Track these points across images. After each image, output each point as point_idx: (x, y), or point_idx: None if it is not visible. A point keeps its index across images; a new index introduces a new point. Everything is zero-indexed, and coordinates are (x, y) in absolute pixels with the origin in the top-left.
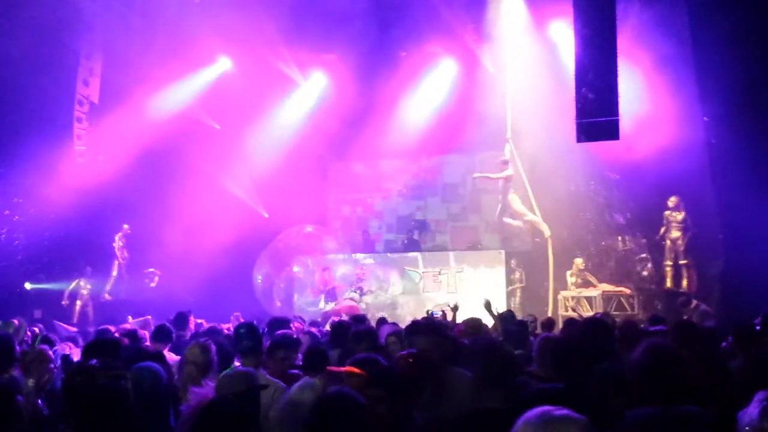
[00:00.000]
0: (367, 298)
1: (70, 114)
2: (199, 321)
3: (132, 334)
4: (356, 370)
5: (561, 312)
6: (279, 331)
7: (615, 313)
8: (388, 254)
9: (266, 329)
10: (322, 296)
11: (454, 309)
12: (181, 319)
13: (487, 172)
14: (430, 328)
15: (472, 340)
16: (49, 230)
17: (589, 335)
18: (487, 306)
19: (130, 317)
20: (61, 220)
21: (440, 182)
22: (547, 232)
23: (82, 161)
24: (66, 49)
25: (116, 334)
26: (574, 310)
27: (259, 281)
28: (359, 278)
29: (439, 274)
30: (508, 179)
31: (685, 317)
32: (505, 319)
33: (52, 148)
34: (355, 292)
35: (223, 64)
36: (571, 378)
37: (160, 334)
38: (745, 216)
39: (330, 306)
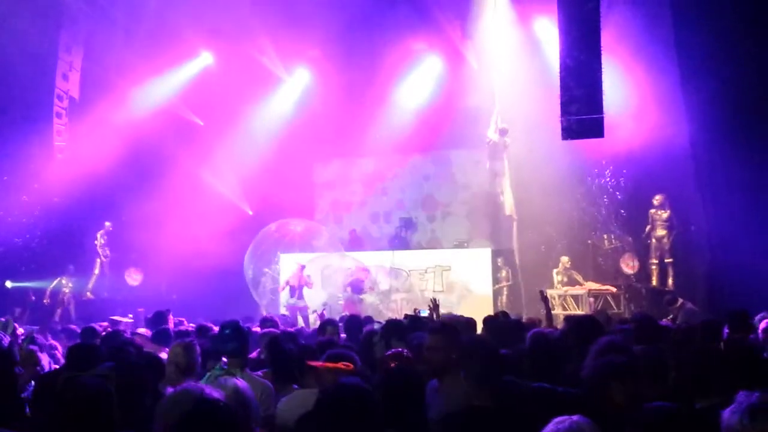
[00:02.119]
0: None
1: (49, 109)
2: (178, 320)
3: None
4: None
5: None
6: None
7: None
8: (375, 252)
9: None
10: (287, 290)
11: (435, 308)
12: (160, 318)
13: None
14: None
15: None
16: (30, 228)
17: (584, 332)
18: (433, 304)
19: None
20: (42, 218)
21: (427, 179)
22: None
23: (62, 157)
24: (45, 43)
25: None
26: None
27: (250, 275)
28: (360, 278)
29: (426, 272)
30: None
31: (671, 315)
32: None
33: (32, 144)
34: (356, 293)
35: (205, 59)
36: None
37: (161, 336)
38: (730, 214)
39: (300, 302)
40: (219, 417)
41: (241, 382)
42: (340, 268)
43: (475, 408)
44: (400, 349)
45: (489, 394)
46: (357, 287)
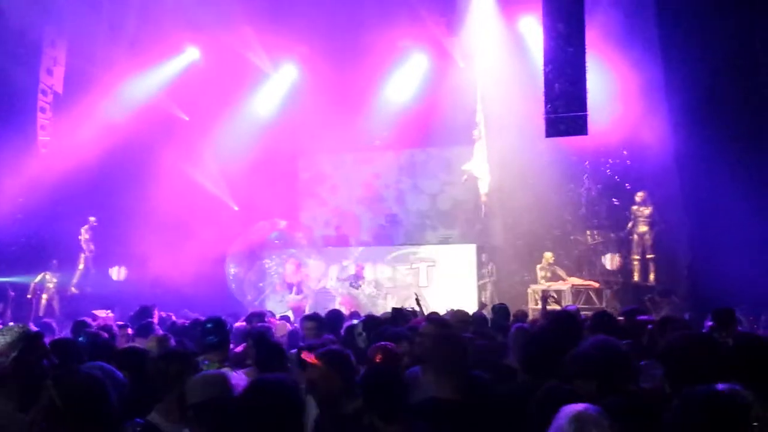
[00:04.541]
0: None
1: (33, 104)
2: (167, 314)
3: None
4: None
5: (531, 306)
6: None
7: (584, 306)
8: (362, 248)
9: (245, 323)
10: (294, 289)
11: (417, 302)
12: (145, 313)
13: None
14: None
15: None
16: (13, 222)
17: (560, 327)
18: (417, 301)
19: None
20: (26, 213)
21: (412, 175)
22: (484, 189)
23: (46, 152)
24: (29, 38)
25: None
26: (554, 300)
27: (232, 275)
28: (358, 274)
29: (411, 268)
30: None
31: (662, 310)
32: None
33: (15, 138)
34: (353, 286)
35: (191, 54)
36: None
37: (144, 330)
38: (711, 210)
39: (299, 297)
40: None
41: (238, 377)
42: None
43: (437, 400)
44: (385, 343)
45: (453, 387)
46: (354, 282)
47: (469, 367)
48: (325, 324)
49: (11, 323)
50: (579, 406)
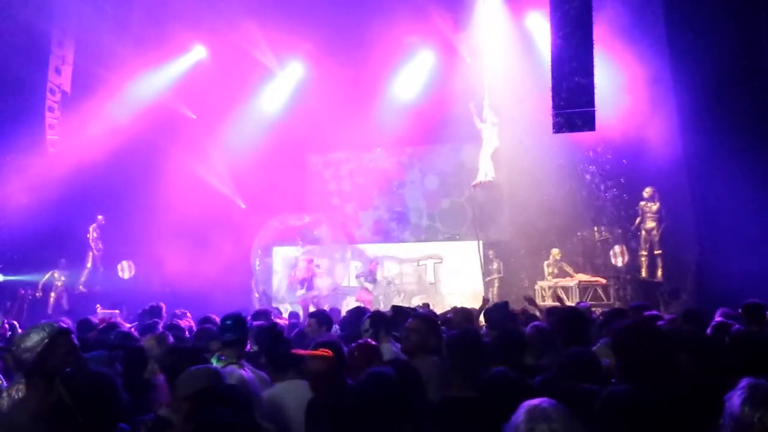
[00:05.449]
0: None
1: (41, 103)
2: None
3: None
4: (323, 352)
5: (539, 302)
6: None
7: (591, 302)
8: (369, 245)
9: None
10: (305, 285)
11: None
12: (153, 312)
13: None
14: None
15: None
16: (22, 221)
17: (567, 324)
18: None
19: (98, 306)
20: (34, 211)
21: (419, 173)
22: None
23: (55, 151)
24: (37, 37)
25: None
26: (558, 299)
27: (258, 266)
28: (372, 269)
29: (418, 264)
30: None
31: (671, 307)
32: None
33: (24, 137)
34: (369, 282)
35: (198, 53)
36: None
37: (146, 329)
38: (719, 206)
39: (309, 294)
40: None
41: (246, 373)
42: (344, 259)
43: (453, 399)
44: (366, 340)
45: (470, 385)
46: (371, 276)
47: (486, 364)
48: (326, 321)
49: (13, 321)
50: (534, 401)
